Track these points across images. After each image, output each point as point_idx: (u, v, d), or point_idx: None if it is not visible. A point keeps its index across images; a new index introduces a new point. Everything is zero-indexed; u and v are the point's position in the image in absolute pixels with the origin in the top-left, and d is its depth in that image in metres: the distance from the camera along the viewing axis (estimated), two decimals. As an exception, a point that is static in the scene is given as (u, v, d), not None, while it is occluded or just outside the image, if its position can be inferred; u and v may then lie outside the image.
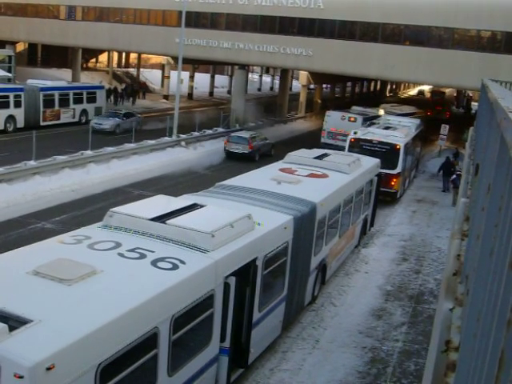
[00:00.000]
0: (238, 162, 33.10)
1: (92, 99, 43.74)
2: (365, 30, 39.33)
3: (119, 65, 77.12)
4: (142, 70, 75.29)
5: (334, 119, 39.35)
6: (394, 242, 22.50)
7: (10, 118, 36.73)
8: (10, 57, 48.02)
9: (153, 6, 45.70)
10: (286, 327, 14.19)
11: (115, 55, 73.87)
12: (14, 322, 6.93)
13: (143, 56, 74.98)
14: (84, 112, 42.99)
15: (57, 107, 40.50)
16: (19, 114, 37.41)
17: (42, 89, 39.16)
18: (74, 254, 9.17)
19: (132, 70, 75.75)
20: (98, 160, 29.50)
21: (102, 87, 46.65)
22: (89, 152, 29.53)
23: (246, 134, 36.34)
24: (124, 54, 78.17)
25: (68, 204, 23.30)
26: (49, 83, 40.82)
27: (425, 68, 36.41)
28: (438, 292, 16.61)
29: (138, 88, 64.16)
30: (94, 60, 74.02)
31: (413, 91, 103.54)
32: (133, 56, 77.85)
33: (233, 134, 37.03)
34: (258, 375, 12.29)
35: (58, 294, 7.89)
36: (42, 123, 38.72)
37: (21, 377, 6.31)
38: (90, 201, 23.87)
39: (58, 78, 58.50)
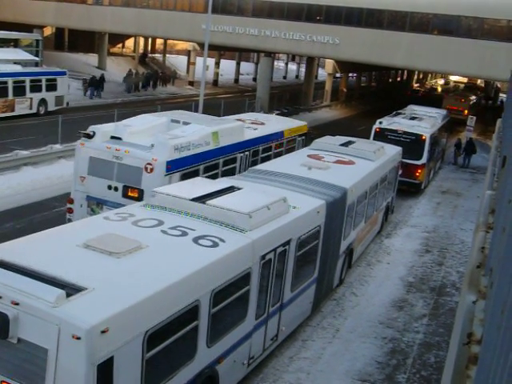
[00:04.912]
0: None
1: (52, 87, 37.64)
2: (392, 18, 38.98)
3: (145, 50, 77.25)
4: (167, 55, 75.38)
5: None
6: (418, 233, 22.35)
7: None
8: (37, 41, 48.29)
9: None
10: (315, 308, 14.40)
11: (141, 41, 74.00)
12: (70, 290, 7.46)
13: (169, 42, 75.06)
14: (43, 102, 37.05)
15: (11, 97, 34.58)
16: None
17: None
18: (120, 229, 9.72)
19: (158, 56, 75.87)
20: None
21: (63, 73, 39.51)
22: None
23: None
24: (150, 40, 78.27)
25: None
26: (2, 68, 34.57)
27: (453, 58, 35.98)
28: (461, 284, 16.51)
29: (165, 74, 64.14)
30: (120, 45, 74.22)
31: (440, 81, 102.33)
32: (159, 42, 77.95)
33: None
34: (277, 363, 12.34)
35: (108, 265, 8.43)
36: None
37: (78, 338, 6.84)
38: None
39: (85, 62, 58.88)
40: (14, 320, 7.17)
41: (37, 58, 45.94)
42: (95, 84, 49.05)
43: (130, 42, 73.97)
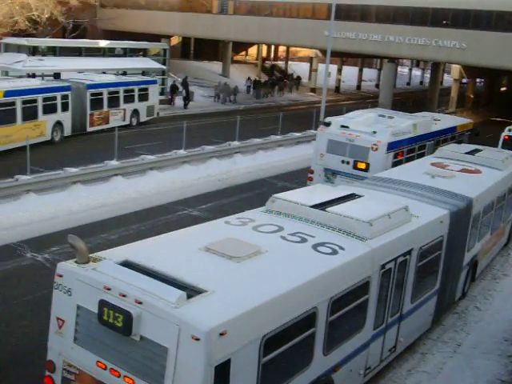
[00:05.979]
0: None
1: (144, 97, 37.04)
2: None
3: (268, 57, 78.24)
4: (289, 62, 75.96)
5: None
6: (549, 246, 21.17)
7: (58, 125, 30.32)
8: (164, 50, 50.04)
9: (303, -1, 45.93)
10: (435, 321, 13.95)
11: (264, 48, 74.99)
12: (191, 291, 7.62)
13: (291, 49, 75.61)
14: (135, 113, 36.44)
15: (105, 108, 33.98)
16: (67, 120, 31.04)
17: (90, 86, 32.80)
18: (240, 234, 9.85)
19: (280, 63, 76.61)
20: (245, 151, 30.05)
21: (154, 82, 39.09)
22: (236, 143, 30.20)
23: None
24: (273, 47, 79.20)
25: (214, 193, 23.95)
26: (97, 78, 34.32)
27: None
28: None
29: (289, 81, 64.85)
30: (243, 53, 75.58)
31: None
32: (281, 49, 78.70)
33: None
34: (394, 375, 12.03)
35: (228, 269, 8.54)
36: (88, 129, 32.78)
37: (197, 339, 6.96)
38: (235, 190, 24.40)
39: (209, 70, 60.42)
40: (137, 318, 7.41)
41: (164, 67, 47.71)
42: (227, 91, 50.64)
43: (253, 50, 75.16)
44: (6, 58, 38.07)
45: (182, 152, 27.02)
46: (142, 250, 9.14)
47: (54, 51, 40.77)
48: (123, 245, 9.55)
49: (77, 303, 8.16)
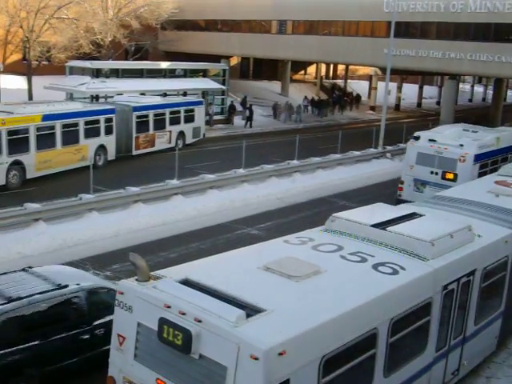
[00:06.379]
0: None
1: (190, 118, 36.35)
2: None
3: (327, 76, 78.18)
4: (349, 81, 75.72)
5: None
6: None
7: (101, 149, 29.54)
8: (224, 70, 50.56)
9: (362, 17, 45.71)
10: (500, 344, 13.53)
11: (323, 67, 75.00)
12: (250, 310, 7.64)
13: (351, 67, 75.40)
14: (181, 135, 35.75)
15: (151, 131, 33.36)
16: (111, 143, 30.27)
17: (136, 108, 32.32)
18: (299, 253, 9.82)
19: (339, 82, 76.45)
20: (304, 170, 30.00)
21: (201, 102, 38.49)
22: (295, 161, 30.18)
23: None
24: (332, 66, 79.14)
25: (273, 211, 23.94)
26: (142, 100, 34.02)
27: None
28: None
29: (348, 99, 64.80)
30: (302, 72, 75.75)
31: None
32: (340, 67, 78.57)
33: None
34: (459, 398, 11.71)
35: (287, 288, 8.53)
36: (134, 152, 32.13)
37: (256, 358, 6.95)
38: (294, 209, 24.33)
39: (268, 89, 60.77)
40: (197, 336, 7.44)
41: (223, 87, 48.19)
42: (289, 110, 51.10)
43: (311, 69, 75.26)
44: (70, 80, 39.23)
45: (241, 171, 27.15)
46: (201, 269, 9.21)
47: (116, 73, 41.69)
48: (183, 263, 9.62)
49: (137, 320, 8.26)
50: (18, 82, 46.91)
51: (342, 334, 8.06)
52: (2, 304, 10.13)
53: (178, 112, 35.29)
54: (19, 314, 10.23)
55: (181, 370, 7.77)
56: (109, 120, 30.01)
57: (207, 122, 45.56)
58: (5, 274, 11.61)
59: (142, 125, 32.50)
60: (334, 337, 7.94)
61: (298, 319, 7.72)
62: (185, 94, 41.97)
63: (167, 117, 34.26)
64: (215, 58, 53.47)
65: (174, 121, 34.83)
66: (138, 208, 21.86)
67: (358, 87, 75.05)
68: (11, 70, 48.61)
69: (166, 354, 7.87)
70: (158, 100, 35.22)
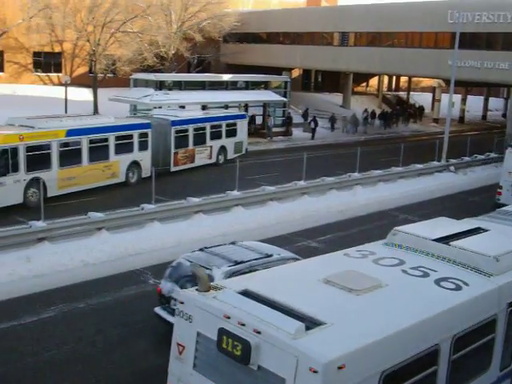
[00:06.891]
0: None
1: (232, 132, 35.13)
2: None
3: (389, 88, 77.52)
4: (411, 93, 74.87)
5: None
6: None
7: (134, 166, 28.26)
8: (286, 82, 50.74)
9: (425, 28, 45.17)
10: None
11: (385, 79, 74.40)
12: (309, 323, 7.55)
13: (413, 79, 74.55)
14: (222, 150, 34.58)
15: (191, 146, 32.25)
16: (145, 160, 28.78)
17: (174, 122, 31.12)
18: (360, 267, 9.70)
19: (402, 94, 75.66)
20: (365, 182, 29.75)
21: (243, 116, 37.36)
22: (356, 174, 29.96)
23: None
24: (394, 78, 78.43)
25: (333, 224, 23.77)
26: (182, 114, 32.77)
27: None
28: None
29: (411, 111, 64.23)
30: (364, 84, 75.32)
31: None
32: (403, 79, 77.78)
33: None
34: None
35: (348, 302, 8.41)
36: (172, 169, 30.69)
37: (315, 371, 6.86)
38: (354, 222, 24.10)
39: (329, 101, 60.69)
40: (256, 348, 7.42)
41: (285, 99, 48.35)
42: (355, 122, 51.38)
43: (373, 81, 74.77)
44: (134, 92, 40.08)
45: (302, 183, 27.11)
46: (261, 280, 9.21)
47: (179, 85, 42.44)
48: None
49: (197, 330, 8.29)
50: (84, 94, 48.25)
51: (402, 349, 7.89)
52: (232, 265, 12.49)
53: (220, 126, 34.16)
54: (244, 272, 11.94)
55: (239, 380, 7.76)
56: (144, 135, 28.77)
57: (266, 135, 45.85)
58: (219, 245, 14.05)
59: (181, 140, 31.40)
60: (394, 352, 7.78)
61: (359, 333, 7.60)
62: (226, 107, 41.62)
63: (208, 131, 33.12)
64: (276, 70, 53.74)
65: (215, 135, 33.69)
66: (200, 218, 22.06)
67: (421, 99, 74.10)
68: (78, 82, 50.15)
69: (224, 365, 7.87)
70: (199, 114, 34.24)
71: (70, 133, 25.12)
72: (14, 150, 22.76)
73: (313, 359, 6.94)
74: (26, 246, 18.10)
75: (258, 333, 7.44)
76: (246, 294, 8.35)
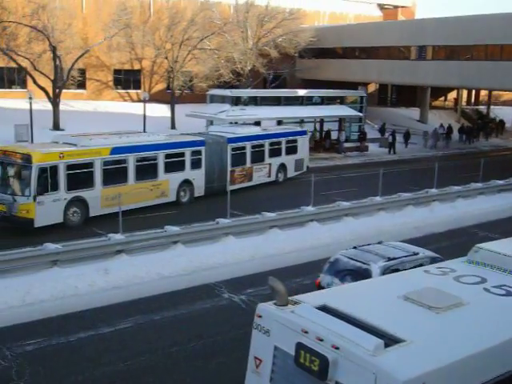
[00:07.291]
0: None
1: (292, 149, 34.09)
2: None
3: (468, 102, 75.85)
4: (491, 106, 73.05)
5: None
6: None
7: (186, 185, 27.51)
8: (361, 97, 50.36)
9: (505, 40, 44.00)
10: None
11: (464, 92, 72.87)
12: (388, 340, 7.45)
13: (494, 92, 72.72)
14: (282, 167, 33.60)
15: (248, 164, 31.42)
16: (198, 178, 28.05)
17: (231, 140, 30.23)
18: (440, 284, 9.50)
19: (482, 108, 73.94)
20: (443, 198, 29.14)
21: (304, 132, 36.05)
22: (434, 190, 29.38)
23: None
24: (474, 91, 76.72)
25: (410, 241, 23.11)
26: (239, 131, 31.73)
27: None
28: None
29: (493, 125, 62.91)
30: (441, 98, 73.99)
31: None
32: (483, 93, 76.00)
33: None
34: None
35: (427, 319, 8.25)
36: (229, 187, 27.03)
37: None
38: (431, 239, 23.52)
39: (406, 116, 59.91)
40: (334, 363, 7.33)
41: (361, 114, 48.01)
42: (436, 136, 51.06)
43: (452, 95, 73.35)
44: (211, 108, 40.67)
45: (377, 199, 26.81)
46: (340, 296, 9.14)
47: (255, 101, 42.70)
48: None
49: (274, 344, 8.26)
50: (162, 110, 49.34)
51: (483, 370, 7.61)
52: (386, 261, 13.49)
53: (279, 143, 33.10)
54: (396, 268, 13.12)
55: (316, 396, 7.69)
56: (197, 153, 27.93)
57: (340, 150, 45.60)
58: (369, 244, 15.12)
59: (239, 157, 30.43)
60: (474, 373, 7.50)
61: (439, 352, 7.40)
62: (279, 123, 40.71)
63: (266, 148, 32.13)
64: (352, 85, 53.42)
65: (274, 153, 32.67)
66: (275, 233, 22.09)
67: (502, 113, 72.13)
68: (156, 98, 51.34)
69: (301, 379, 7.79)
70: (257, 130, 33.34)
71: (115, 150, 24.63)
72: (54, 169, 22.39)
73: (392, 376, 6.80)
74: (105, 258, 18.58)
75: (337, 348, 7.35)
76: (324, 309, 8.28)
